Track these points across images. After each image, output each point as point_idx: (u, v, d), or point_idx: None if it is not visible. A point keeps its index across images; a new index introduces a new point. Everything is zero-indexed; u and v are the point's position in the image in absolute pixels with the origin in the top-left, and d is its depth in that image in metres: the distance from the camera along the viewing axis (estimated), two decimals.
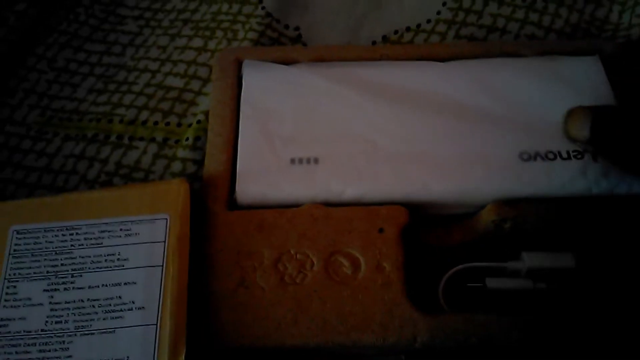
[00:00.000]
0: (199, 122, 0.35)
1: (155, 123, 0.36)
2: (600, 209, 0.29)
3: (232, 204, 0.30)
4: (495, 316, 0.26)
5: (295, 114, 0.32)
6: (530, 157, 0.30)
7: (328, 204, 0.29)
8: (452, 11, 0.39)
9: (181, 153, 0.35)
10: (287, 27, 0.39)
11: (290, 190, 0.30)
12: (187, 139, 0.35)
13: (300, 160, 0.30)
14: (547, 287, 0.27)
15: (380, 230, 0.28)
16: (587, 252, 0.28)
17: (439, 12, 0.39)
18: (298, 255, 0.28)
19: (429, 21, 0.39)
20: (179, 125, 0.36)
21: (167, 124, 0.36)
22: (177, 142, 0.35)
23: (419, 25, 0.39)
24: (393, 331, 0.26)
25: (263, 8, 0.39)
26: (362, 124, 0.31)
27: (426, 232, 0.29)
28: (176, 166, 0.35)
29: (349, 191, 0.30)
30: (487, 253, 0.29)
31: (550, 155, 0.30)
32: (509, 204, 0.29)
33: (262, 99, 0.33)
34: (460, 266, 0.28)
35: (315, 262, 0.28)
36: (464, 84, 0.33)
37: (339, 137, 0.31)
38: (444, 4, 0.40)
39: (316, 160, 0.30)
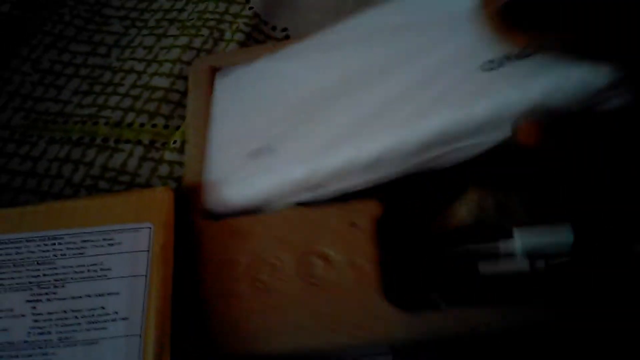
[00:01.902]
0: None
1: (142, 125, 0.35)
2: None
3: (209, 213, 0.29)
4: (476, 308, 0.24)
5: (254, 109, 0.31)
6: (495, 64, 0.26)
7: (287, 191, 0.28)
8: None
9: (168, 156, 0.34)
10: (274, 28, 0.38)
11: (250, 185, 0.28)
12: (175, 141, 0.34)
13: (259, 152, 0.29)
14: (545, 266, 0.25)
15: (353, 225, 0.27)
16: (586, 223, 0.25)
17: None
18: (272, 260, 0.27)
19: None
20: (165, 127, 0.35)
21: (154, 125, 0.35)
22: (164, 144, 0.34)
23: None
24: (367, 330, 0.25)
25: (250, 8, 0.38)
26: (317, 98, 0.29)
27: (408, 223, 0.28)
28: (163, 169, 0.34)
29: (300, 170, 0.27)
30: (479, 237, 0.27)
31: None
32: (489, 185, 0.27)
33: (229, 106, 0.32)
34: (449, 253, 0.26)
35: (288, 265, 0.27)
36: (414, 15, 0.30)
37: (292, 119, 0.29)
38: None
39: (271, 148, 0.29)
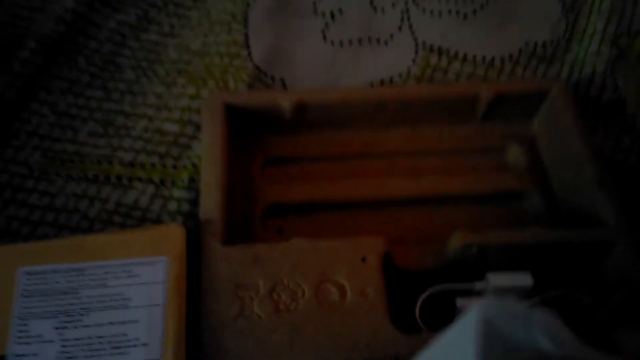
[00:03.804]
0: (194, 165, 0.36)
1: (153, 165, 0.37)
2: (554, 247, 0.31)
3: (228, 239, 0.31)
4: None
5: None
6: None
7: None
8: (420, 68, 0.41)
9: (177, 193, 0.36)
10: (272, 79, 0.41)
11: None
12: (183, 180, 0.36)
13: None
14: None
15: (363, 260, 0.30)
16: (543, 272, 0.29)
17: (409, 69, 0.41)
18: (291, 285, 0.29)
19: (400, 76, 0.41)
20: (174, 167, 0.37)
21: (164, 166, 0.37)
22: (173, 183, 0.36)
23: (391, 79, 0.41)
24: (378, 351, 0.27)
25: (252, 61, 0.41)
26: None
27: (402, 258, 0.31)
28: (172, 205, 0.35)
29: None
30: (459, 275, 0.30)
31: None
32: (474, 232, 0.30)
33: None
34: (433, 288, 0.30)
35: (306, 290, 0.29)
36: None
37: None
38: (414, 60, 0.42)
39: None
